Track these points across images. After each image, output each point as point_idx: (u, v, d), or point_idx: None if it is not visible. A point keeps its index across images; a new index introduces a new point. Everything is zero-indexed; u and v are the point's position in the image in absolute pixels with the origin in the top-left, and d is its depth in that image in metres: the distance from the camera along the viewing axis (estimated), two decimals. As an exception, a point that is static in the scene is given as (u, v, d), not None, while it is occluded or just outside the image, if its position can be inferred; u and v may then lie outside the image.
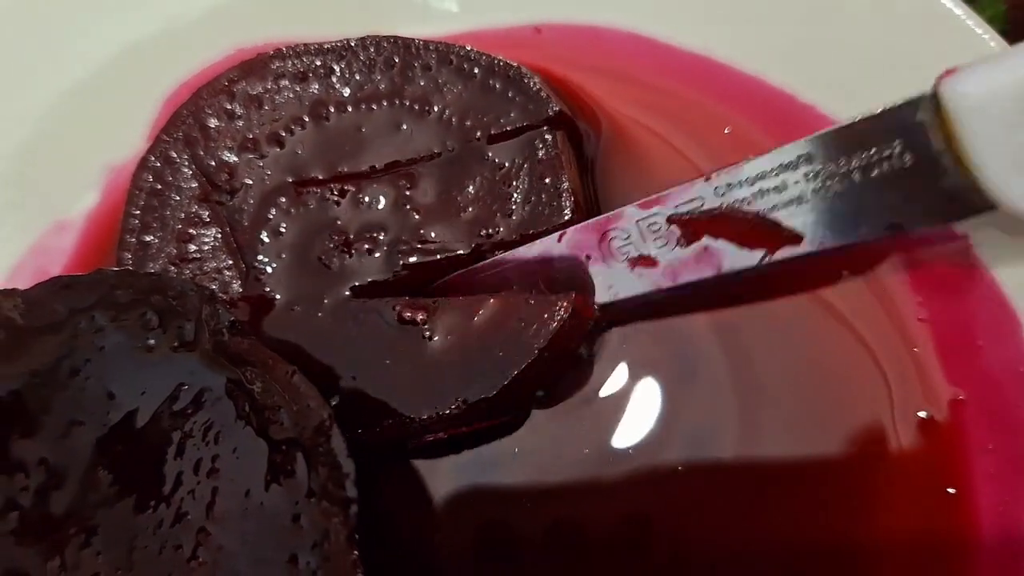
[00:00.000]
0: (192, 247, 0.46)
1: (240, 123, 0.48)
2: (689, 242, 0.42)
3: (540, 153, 0.45)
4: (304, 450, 0.36)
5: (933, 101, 0.37)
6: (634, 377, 0.45)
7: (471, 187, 0.45)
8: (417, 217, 0.45)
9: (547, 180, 0.45)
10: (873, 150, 0.39)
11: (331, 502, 0.34)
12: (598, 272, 0.44)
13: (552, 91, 0.47)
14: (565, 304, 0.42)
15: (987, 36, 0.43)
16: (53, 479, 0.37)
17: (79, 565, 0.36)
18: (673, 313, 0.46)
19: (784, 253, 0.41)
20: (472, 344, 0.42)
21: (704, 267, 0.42)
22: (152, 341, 0.38)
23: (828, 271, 0.45)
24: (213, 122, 0.48)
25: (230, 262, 0.46)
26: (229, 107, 0.48)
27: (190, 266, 0.46)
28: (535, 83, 0.47)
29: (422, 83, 0.48)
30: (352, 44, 0.49)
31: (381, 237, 0.45)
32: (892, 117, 0.39)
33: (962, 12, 0.44)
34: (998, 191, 0.37)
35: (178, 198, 0.47)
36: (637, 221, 0.43)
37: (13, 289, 0.39)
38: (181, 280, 0.39)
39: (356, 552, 0.34)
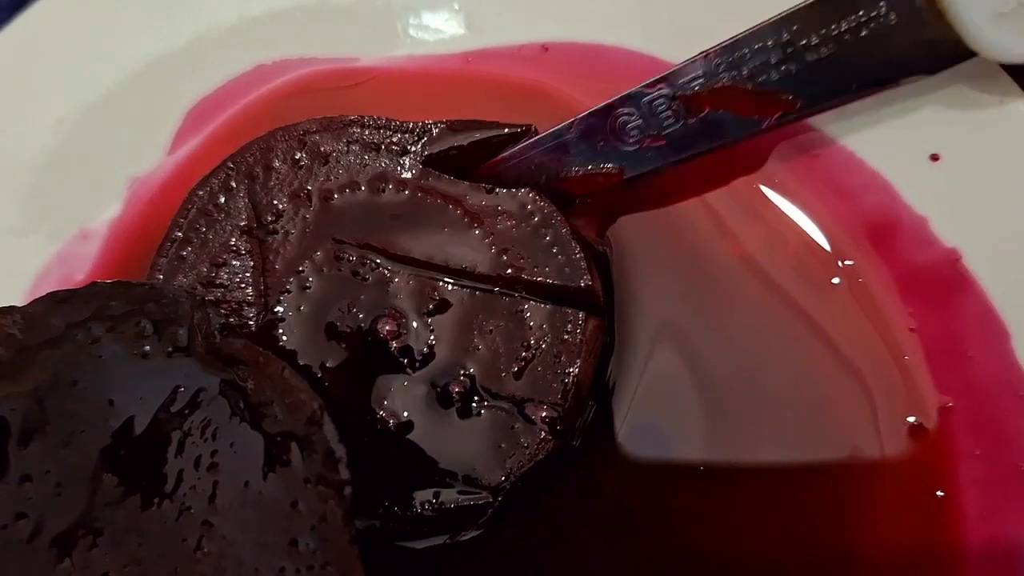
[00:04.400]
0: (223, 274, 0.47)
1: (302, 172, 0.49)
2: (694, 115, 0.45)
3: (566, 335, 0.45)
4: (298, 440, 0.37)
5: None
6: (624, 380, 0.47)
7: (489, 328, 0.45)
8: (430, 329, 0.45)
9: (561, 359, 0.44)
10: (861, 12, 0.42)
11: (326, 486, 0.36)
12: (611, 151, 0.47)
13: (592, 264, 0.47)
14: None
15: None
16: (60, 487, 0.38)
17: (89, 565, 0.37)
18: (667, 321, 0.48)
19: (781, 117, 0.44)
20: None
21: (707, 139, 0.46)
22: (148, 348, 0.40)
23: (819, 281, 0.47)
24: (277, 164, 0.49)
25: (252, 299, 0.47)
26: (297, 155, 0.49)
27: (215, 291, 0.47)
28: (578, 251, 0.46)
29: (483, 201, 0.48)
30: (435, 130, 0.49)
31: (393, 328, 0.45)
32: None
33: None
34: (976, 40, 0.40)
35: (224, 225, 0.48)
36: (643, 101, 0.46)
37: (11, 307, 0.41)
38: (172, 288, 0.41)
39: (352, 530, 0.35)
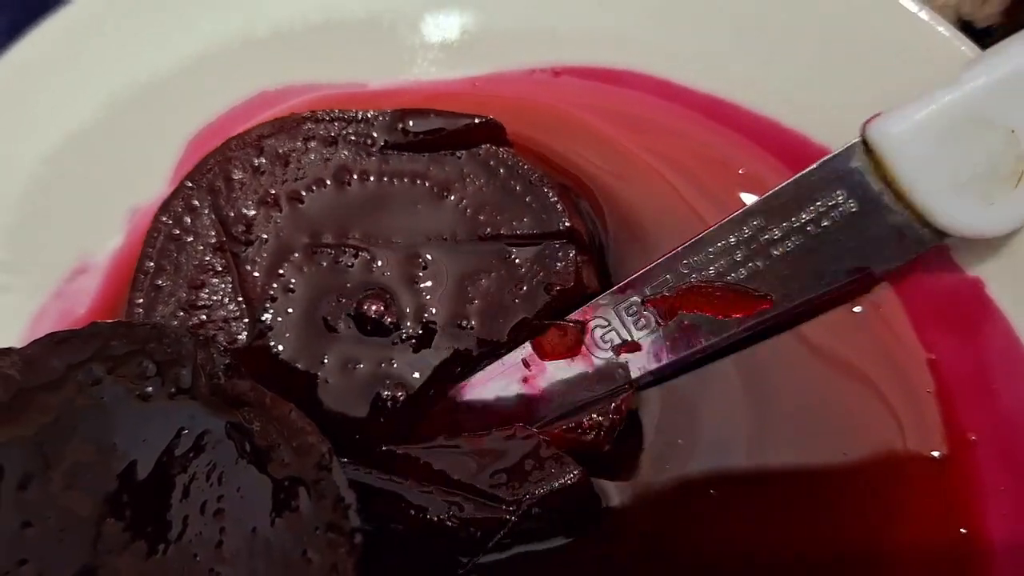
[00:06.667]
0: (203, 294, 0.47)
1: (264, 178, 0.48)
2: (667, 320, 0.44)
3: (558, 265, 0.45)
4: (306, 485, 0.36)
5: (863, 146, 0.41)
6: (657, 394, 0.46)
7: (483, 280, 0.46)
8: (426, 296, 0.46)
9: (556, 290, 0.45)
10: (819, 202, 0.42)
11: (337, 533, 0.35)
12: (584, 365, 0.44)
13: (569, 204, 0.48)
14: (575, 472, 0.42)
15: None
16: (62, 532, 0.37)
17: (93, 614, 0.36)
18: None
19: (757, 316, 0.43)
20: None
21: (684, 344, 0.44)
22: (150, 389, 0.39)
23: (840, 309, 0.46)
24: (238, 174, 0.49)
25: (238, 313, 0.46)
26: (256, 162, 0.49)
27: (199, 313, 0.46)
28: (553, 194, 0.47)
29: (447, 168, 0.48)
30: (387, 118, 0.49)
31: (383, 307, 0.45)
32: (830, 167, 0.42)
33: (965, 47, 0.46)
34: (942, 219, 0.40)
35: (195, 245, 0.48)
36: (615, 307, 0.44)
37: (9, 348, 0.40)
38: (175, 327, 0.40)
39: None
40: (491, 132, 0.49)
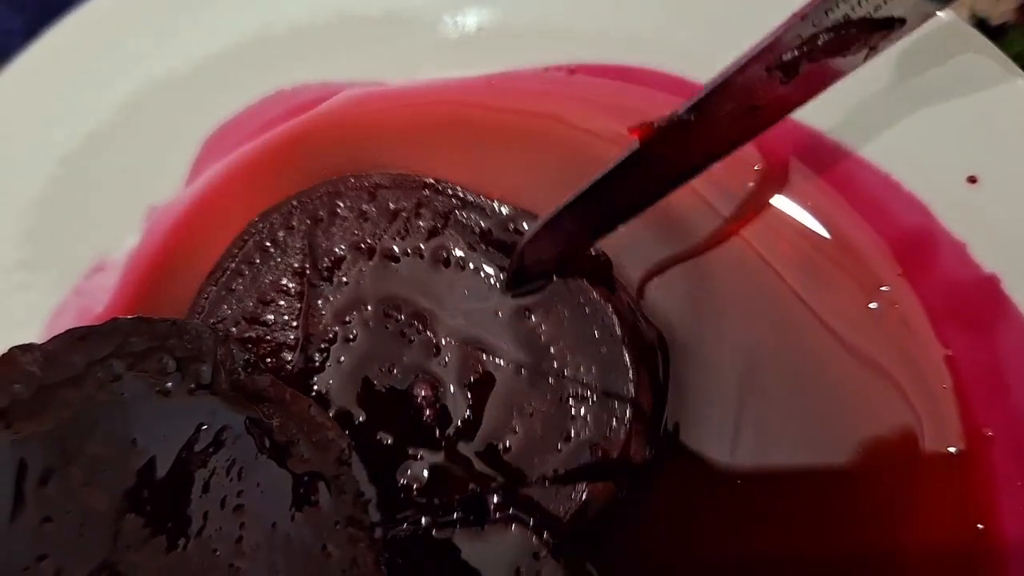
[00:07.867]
0: (268, 314, 0.46)
1: (366, 225, 0.48)
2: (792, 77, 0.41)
3: (609, 430, 0.43)
4: (326, 480, 0.37)
5: None
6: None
7: (532, 415, 0.44)
8: (472, 402, 0.44)
9: (601, 453, 0.43)
10: None
11: (357, 528, 0.35)
12: None
13: (646, 371, 0.45)
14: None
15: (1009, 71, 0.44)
16: (82, 528, 0.37)
17: (113, 609, 0.37)
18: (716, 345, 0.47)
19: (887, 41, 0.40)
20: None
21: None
22: (170, 385, 0.39)
23: (856, 306, 0.46)
24: (343, 211, 0.48)
25: (293, 342, 0.46)
26: (364, 207, 0.49)
27: (257, 328, 0.46)
28: (630, 359, 0.44)
29: (537, 291, 0.46)
30: (504, 212, 0.47)
31: (432, 395, 0.44)
32: None
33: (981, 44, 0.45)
34: None
35: (278, 262, 0.48)
36: None
37: (30, 344, 0.40)
38: (195, 323, 0.40)
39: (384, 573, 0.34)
40: (597, 266, 0.47)
